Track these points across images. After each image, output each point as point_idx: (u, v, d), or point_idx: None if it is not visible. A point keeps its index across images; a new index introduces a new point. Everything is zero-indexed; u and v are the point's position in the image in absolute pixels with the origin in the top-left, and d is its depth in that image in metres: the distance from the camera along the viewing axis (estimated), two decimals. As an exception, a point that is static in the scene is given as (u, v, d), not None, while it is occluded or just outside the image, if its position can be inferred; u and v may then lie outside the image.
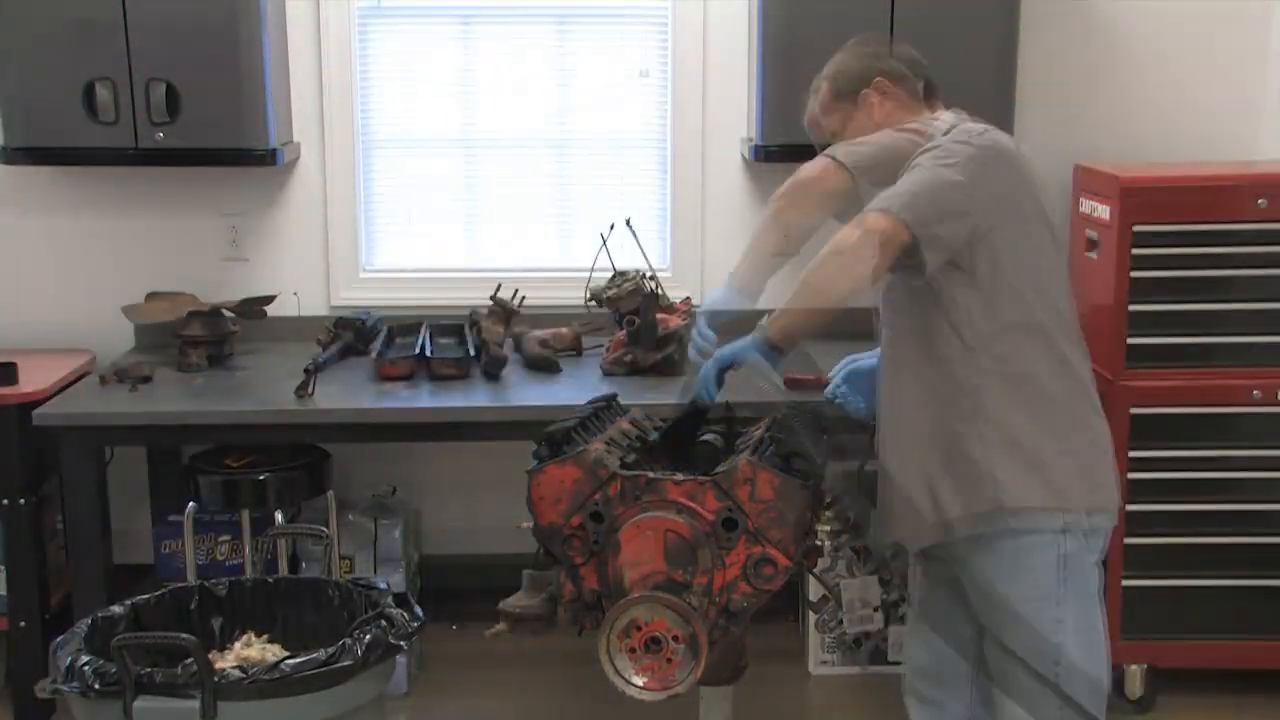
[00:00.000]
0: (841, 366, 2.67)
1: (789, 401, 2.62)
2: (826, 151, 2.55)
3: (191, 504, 3.37)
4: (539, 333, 3.69)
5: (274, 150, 3.59)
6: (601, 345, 3.61)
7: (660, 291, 3.56)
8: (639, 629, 2.16)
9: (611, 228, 3.63)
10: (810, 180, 2.53)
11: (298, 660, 2.33)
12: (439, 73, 3.94)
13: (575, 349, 3.71)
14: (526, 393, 3.37)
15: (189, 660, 2.29)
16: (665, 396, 3.27)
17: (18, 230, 3.89)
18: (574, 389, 3.36)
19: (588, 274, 3.54)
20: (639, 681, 2.18)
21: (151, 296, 3.78)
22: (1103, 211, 3.50)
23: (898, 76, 2.59)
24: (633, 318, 3.41)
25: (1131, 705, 3.56)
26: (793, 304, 2.38)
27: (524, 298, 3.64)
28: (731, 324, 2.56)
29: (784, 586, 2.28)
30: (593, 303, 3.48)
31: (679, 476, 2.27)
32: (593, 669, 2.20)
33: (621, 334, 3.48)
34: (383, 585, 2.67)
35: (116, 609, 2.59)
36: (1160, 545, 3.48)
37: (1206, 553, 3.48)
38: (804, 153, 3.59)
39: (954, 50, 3.49)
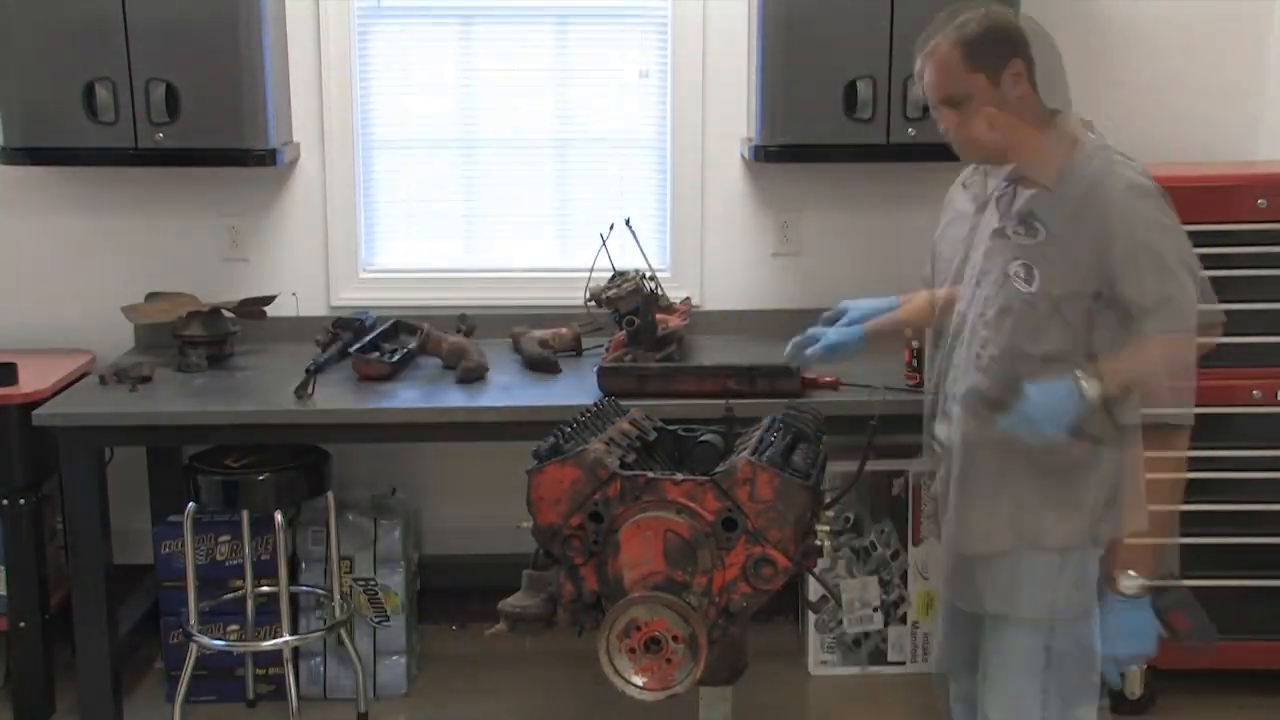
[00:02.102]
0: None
1: (787, 402, 2.62)
2: None
3: (191, 504, 3.37)
4: (539, 333, 3.69)
5: (274, 150, 3.59)
6: (601, 345, 3.61)
7: (660, 291, 3.56)
8: (639, 629, 2.16)
9: (611, 228, 3.63)
10: None
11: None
12: (439, 73, 3.94)
13: (575, 349, 3.71)
14: (526, 393, 3.37)
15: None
16: (665, 397, 3.28)
17: (18, 230, 3.89)
18: (574, 389, 3.36)
19: (588, 274, 3.54)
20: (639, 681, 2.18)
21: (151, 296, 3.78)
22: (1103, 211, 3.49)
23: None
24: (632, 318, 3.41)
25: (1131, 705, 3.56)
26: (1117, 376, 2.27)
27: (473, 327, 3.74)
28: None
29: (784, 586, 2.28)
30: (592, 303, 3.48)
31: (679, 476, 2.27)
32: (593, 669, 2.21)
33: (621, 334, 3.48)
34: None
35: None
36: (1160, 545, 3.47)
37: (1206, 553, 3.48)
38: (804, 153, 3.62)
39: (954, 50, 3.49)
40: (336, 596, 3.55)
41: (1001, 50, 2.35)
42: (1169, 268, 2.26)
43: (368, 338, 3.58)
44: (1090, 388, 2.23)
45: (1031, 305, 2.30)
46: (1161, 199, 2.31)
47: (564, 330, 3.71)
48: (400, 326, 3.74)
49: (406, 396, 3.35)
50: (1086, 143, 2.35)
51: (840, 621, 3.78)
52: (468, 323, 3.78)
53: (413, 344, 3.57)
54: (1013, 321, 2.32)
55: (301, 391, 3.27)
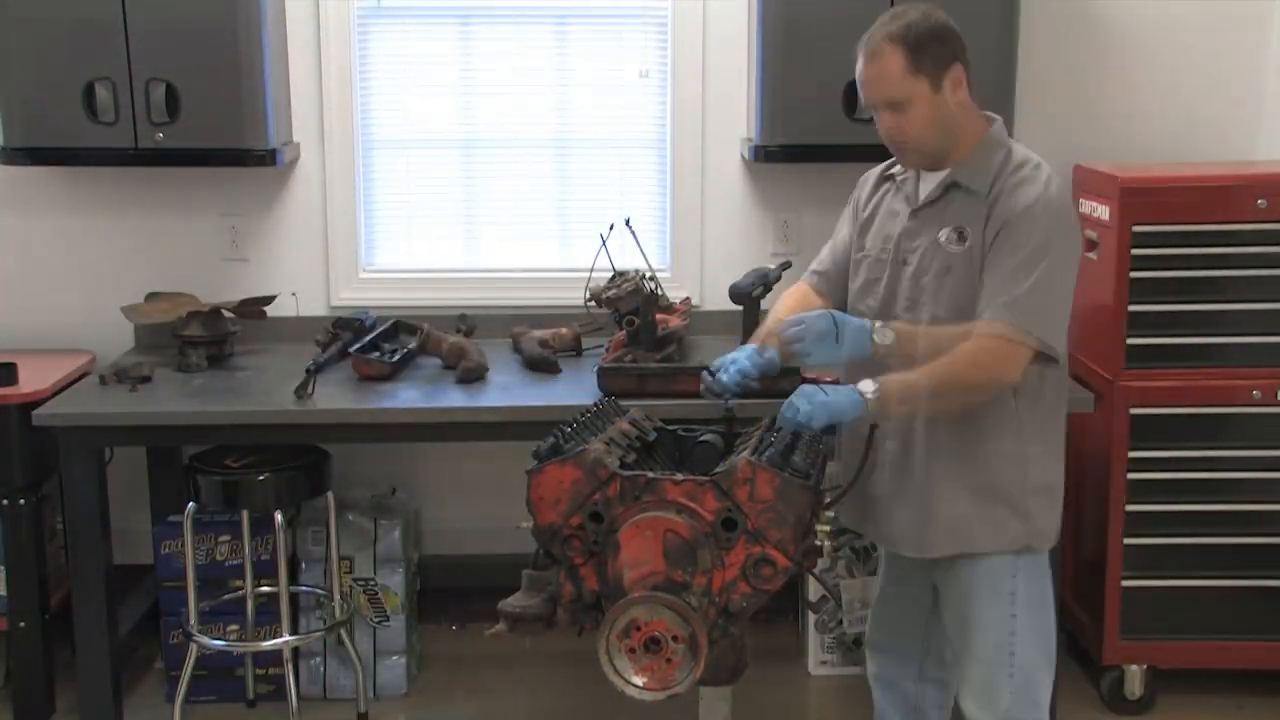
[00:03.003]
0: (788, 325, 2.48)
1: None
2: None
3: (191, 504, 3.37)
4: (539, 333, 3.69)
5: (274, 150, 3.59)
6: (601, 346, 3.61)
7: (660, 292, 3.56)
8: (639, 629, 2.16)
9: (611, 228, 3.63)
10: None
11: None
12: (439, 73, 3.94)
13: (575, 349, 3.71)
14: (526, 393, 3.37)
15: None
16: (665, 397, 3.28)
17: (18, 230, 3.89)
18: (574, 389, 3.36)
19: (588, 274, 3.54)
20: (639, 681, 2.18)
21: (151, 297, 3.78)
22: (1102, 212, 3.50)
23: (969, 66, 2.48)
24: (632, 318, 3.40)
25: (1131, 705, 3.56)
26: (917, 390, 2.35)
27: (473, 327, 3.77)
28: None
29: (784, 586, 2.28)
30: (592, 303, 3.48)
31: (678, 476, 2.27)
32: (593, 669, 2.21)
33: (621, 334, 3.48)
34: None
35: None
36: (1160, 545, 3.48)
37: (1206, 553, 3.48)
38: (804, 153, 3.62)
39: (954, 50, 3.50)
40: (336, 596, 3.55)
41: (944, 54, 2.41)
42: (1032, 272, 2.33)
43: (368, 338, 3.58)
44: (884, 335, 2.39)
45: (969, 262, 2.41)
46: (1065, 215, 2.43)
47: (564, 330, 3.71)
48: (400, 326, 3.74)
49: (406, 396, 3.35)
50: (1014, 150, 2.48)
51: (840, 621, 3.78)
52: (468, 323, 3.78)
53: (413, 344, 3.57)
54: (953, 280, 2.43)
55: (301, 391, 3.27)
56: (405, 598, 3.72)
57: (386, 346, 3.61)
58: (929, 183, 2.51)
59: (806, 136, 3.56)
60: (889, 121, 2.44)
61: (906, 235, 2.52)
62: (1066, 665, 3.72)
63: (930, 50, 2.39)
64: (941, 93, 2.41)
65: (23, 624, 3.46)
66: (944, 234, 2.45)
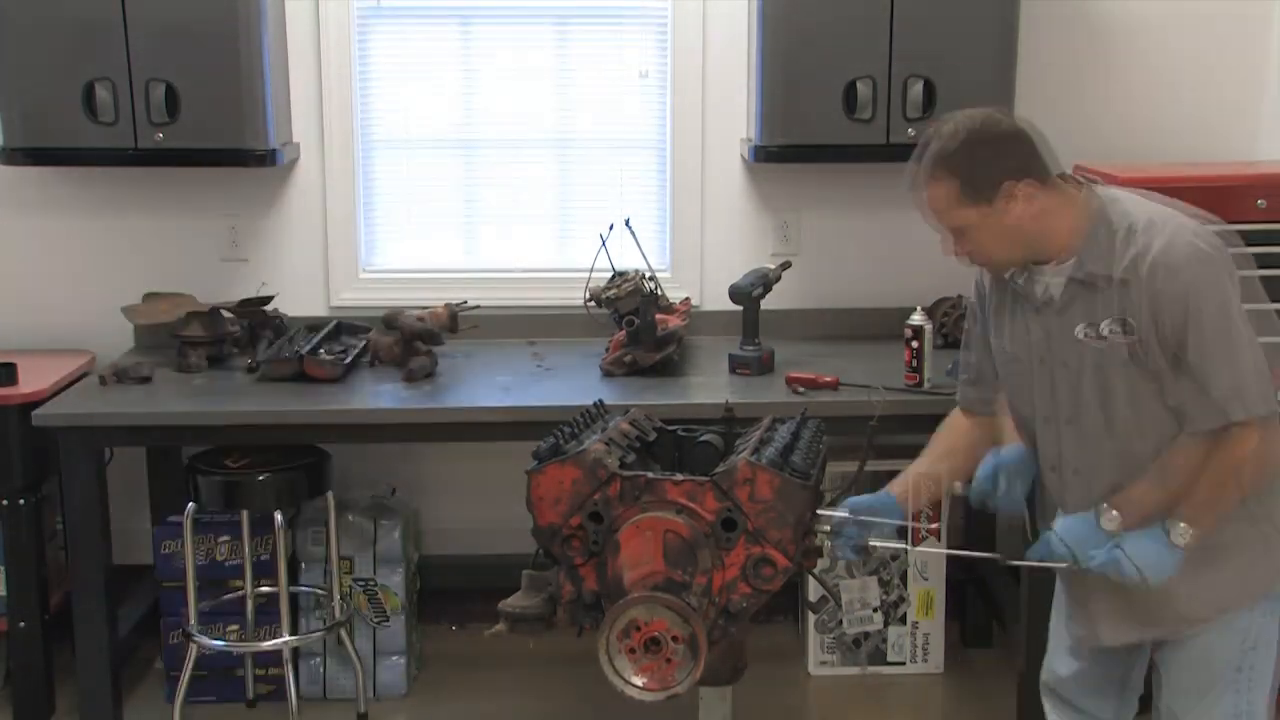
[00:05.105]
0: (987, 464, 2.44)
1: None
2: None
3: (191, 504, 3.37)
4: (415, 311, 3.62)
5: (273, 150, 3.59)
6: (604, 346, 3.61)
7: (659, 292, 3.56)
8: (638, 629, 2.16)
9: (611, 228, 3.63)
10: None
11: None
12: (439, 73, 3.94)
13: (451, 328, 3.63)
14: (526, 393, 3.37)
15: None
16: (665, 397, 3.28)
17: (18, 230, 3.89)
18: (575, 390, 3.36)
19: (588, 274, 3.54)
20: (638, 682, 2.18)
21: (149, 297, 3.78)
22: (1102, 212, 3.49)
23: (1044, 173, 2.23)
24: (632, 318, 3.41)
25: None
26: (1205, 516, 2.20)
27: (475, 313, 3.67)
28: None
29: (783, 587, 2.28)
30: (592, 303, 3.48)
31: (678, 476, 2.27)
32: (593, 669, 2.20)
33: (621, 334, 3.48)
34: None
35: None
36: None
37: (1206, 553, 3.47)
38: (804, 153, 3.62)
39: (954, 50, 3.50)
40: (336, 597, 3.55)
41: (994, 172, 2.19)
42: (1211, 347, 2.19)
43: (315, 339, 3.58)
44: (1180, 534, 2.19)
45: (1130, 354, 2.20)
46: (1214, 256, 2.25)
47: (439, 309, 3.60)
48: (342, 328, 3.74)
49: (406, 396, 3.35)
50: (1120, 216, 2.23)
51: (840, 622, 3.77)
52: (462, 306, 3.67)
53: (359, 345, 3.58)
54: (1107, 377, 2.24)
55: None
56: (405, 598, 3.72)
57: (335, 348, 3.61)
58: (1050, 280, 2.27)
59: (806, 136, 3.57)
60: (952, 247, 2.28)
61: (1045, 337, 2.30)
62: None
63: (975, 173, 2.19)
64: (998, 213, 2.20)
65: (23, 624, 3.46)
66: (1080, 330, 2.24)
